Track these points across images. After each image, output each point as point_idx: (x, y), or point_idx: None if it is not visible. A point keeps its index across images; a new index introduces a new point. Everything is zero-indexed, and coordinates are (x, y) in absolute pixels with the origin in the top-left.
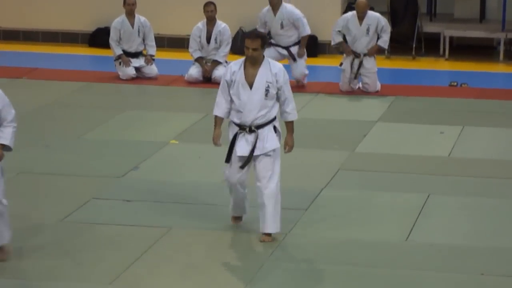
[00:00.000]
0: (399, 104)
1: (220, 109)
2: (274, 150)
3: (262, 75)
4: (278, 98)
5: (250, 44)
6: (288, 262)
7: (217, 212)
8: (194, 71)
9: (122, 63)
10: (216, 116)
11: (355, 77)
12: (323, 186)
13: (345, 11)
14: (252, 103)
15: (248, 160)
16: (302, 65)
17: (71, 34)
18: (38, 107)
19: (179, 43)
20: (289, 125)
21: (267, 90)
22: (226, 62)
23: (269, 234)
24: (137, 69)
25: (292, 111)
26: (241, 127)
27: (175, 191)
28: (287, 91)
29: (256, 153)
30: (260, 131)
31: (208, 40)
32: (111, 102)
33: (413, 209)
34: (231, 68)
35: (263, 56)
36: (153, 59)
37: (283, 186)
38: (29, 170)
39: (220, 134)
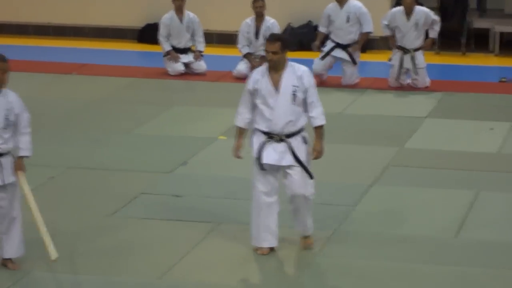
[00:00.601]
0: (448, 100)
1: (242, 118)
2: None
3: (287, 80)
4: (305, 105)
5: (270, 47)
6: (336, 257)
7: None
8: (243, 67)
9: (171, 59)
10: (238, 127)
11: (405, 73)
12: (372, 182)
13: (394, 7)
14: (281, 109)
15: (275, 171)
16: (354, 74)
17: (120, 30)
18: (87, 103)
19: (228, 39)
20: (318, 130)
21: (294, 95)
22: None
23: (308, 237)
24: (186, 65)
25: (318, 116)
26: (270, 136)
27: (224, 186)
28: (313, 95)
29: (284, 163)
30: (290, 140)
31: (257, 36)
32: (160, 98)
33: (463, 206)
34: (254, 77)
35: (286, 60)
36: (202, 55)
37: (332, 182)
38: (78, 165)
39: (241, 146)
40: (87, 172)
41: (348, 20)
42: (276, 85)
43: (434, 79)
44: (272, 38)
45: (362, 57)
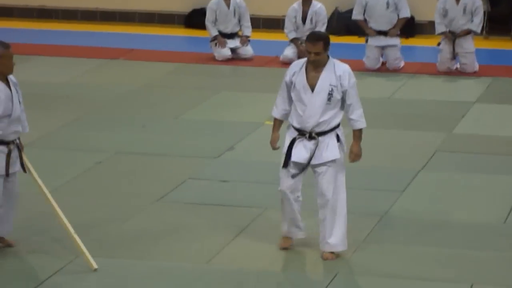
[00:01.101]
0: (497, 85)
1: (278, 110)
2: (334, 161)
3: (325, 78)
4: (342, 104)
5: (312, 48)
6: (384, 242)
7: (312, 192)
8: (290, 52)
9: (218, 44)
10: (275, 119)
11: (453, 58)
12: (420, 167)
13: None
14: (313, 108)
15: (302, 169)
16: (398, 57)
17: (167, 15)
18: (134, 88)
19: (275, 23)
20: (356, 133)
21: (330, 94)
22: None
23: (331, 252)
24: (233, 50)
25: (359, 119)
26: (301, 133)
27: (271, 172)
28: (353, 96)
29: (313, 162)
30: (320, 138)
31: (304, 20)
32: (207, 83)
33: None
34: (292, 69)
35: (328, 57)
36: (249, 40)
37: (380, 167)
38: (126, 151)
39: (278, 137)
40: (134, 157)
41: (388, 6)
42: (312, 82)
43: (482, 64)
44: (314, 38)
45: (411, 42)
